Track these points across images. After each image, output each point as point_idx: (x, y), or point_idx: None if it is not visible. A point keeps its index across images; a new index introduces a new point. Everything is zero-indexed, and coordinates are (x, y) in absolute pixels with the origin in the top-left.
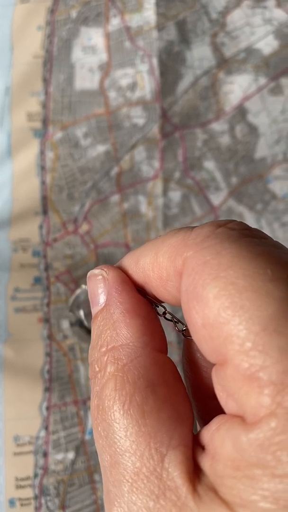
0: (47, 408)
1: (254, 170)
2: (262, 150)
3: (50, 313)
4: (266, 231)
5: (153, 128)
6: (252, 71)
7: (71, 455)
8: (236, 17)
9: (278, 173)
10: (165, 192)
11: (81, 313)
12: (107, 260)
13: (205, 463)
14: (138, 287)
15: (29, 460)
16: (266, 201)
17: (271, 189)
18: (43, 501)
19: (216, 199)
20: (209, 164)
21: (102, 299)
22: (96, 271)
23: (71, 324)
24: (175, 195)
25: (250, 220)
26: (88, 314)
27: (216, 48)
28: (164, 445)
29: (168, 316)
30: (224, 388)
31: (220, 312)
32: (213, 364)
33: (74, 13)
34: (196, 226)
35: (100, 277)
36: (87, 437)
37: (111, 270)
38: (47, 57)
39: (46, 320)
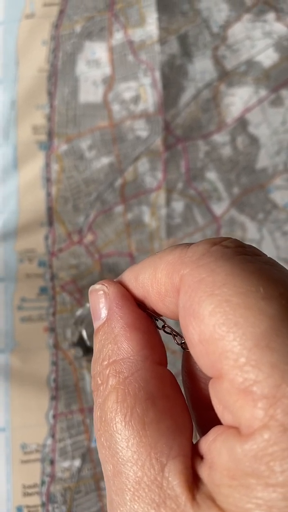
0: (54, 416)
1: (256, 180)
2: (263, 160)
3: (55, 322)
4: (268, 240)
5: (156, 140)
6: (252, 84)
7: (77, 462)
8: (236, 31)
9: (279, 183)
10: (168, 202)
11: (84, 332)
12: (112, 269)
13: (203, 472)
14: (138, 301)
15: (36, 467)
16: (267, 211)
17: (272, 199)
18: (50, 508)
19: (218, 209)
20: (211, 175)
21: (103, 313)
22: (97, 286)
23: (73, 344)
24: (178, 205)
25: (252, 230)
26: (91, 335)
27: (217, 61)
28: (164, 455)
29: (167, 329)
30: (220, 401)
31: (216, 328)
32: (211, 377)
33: (78, 28)
34: (193, 244)
35: (101, 292)
36: (93, 444)
37: (112, 285)
38: (51, 71)
39: (52, 330)
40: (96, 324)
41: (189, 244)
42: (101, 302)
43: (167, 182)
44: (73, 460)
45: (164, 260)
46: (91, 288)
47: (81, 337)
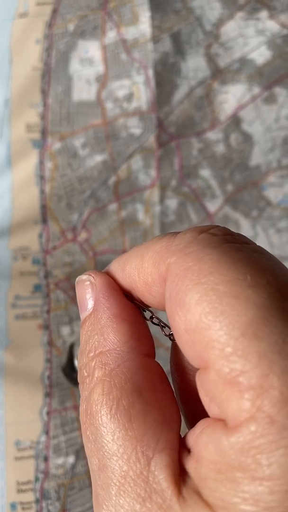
0: (48, 413)
1: (249, 177)
2: (256, 158)
3: (50, 319)
4: (262, 237)
5: (149, 137)
6: (246, 81)
7: (71, 459)
8: (229, 29)
9: (273, 180)
10: (162, 200)
11: (76, 361)
12: (106, 267)
13: (190, 466)
14: (125, 292)
15: (30, 464)
16: (261, 208)
17: (266, 196)
18: (44, 505)
19: (212, 206)
20: (205, 172)
21: (90, 304)
22: (84, 276)
23: (63, 366)
24: (172, 202)
25: (246, 227)
26: None
27: (211, 59)
28: (151, 449)
29: (155, 320)
30: (207, 393)
31: (202, 317)
32: (197, 367)
33: (71, 27)
34: (180, 232)
35: (88, 282)
36: None
37: (99, 275)
38: (45, 70)
39: (46, 327)
40: (82, 315)
41: (176, 233)
42: (88, 293)
43: (161, 179)
44: (67, 456)
45: (151, 249)
46: (77, 278)
47: (70, 361)
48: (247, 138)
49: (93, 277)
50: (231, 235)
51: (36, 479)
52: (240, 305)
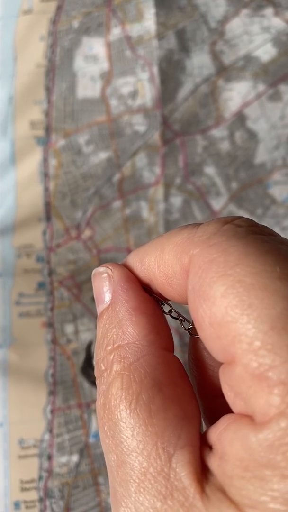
0: (52, 411)
1: (254, 175)
2: (261, 155)
3: (53, 317)
4: None
5: (154, 135)
6: (251, 78)
7: (75, 457)
8: (234, 26)
9: (278, 178)
10: (166, 197)
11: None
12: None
13: (213, 463)
14: (143, 285)
15: (34, 463)
16: (266, 206)
17: (271, 194)
18: (47, 503)
19: (217, 204)
20: (210, 170)
21: (107, 297)
22: (101, 269)
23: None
24: (176, 200)
25: None
26: None
27: (215, 56)
28: (171, 445)
29: (174, 314)
30: (232, 388)
31: (228, 310)
32: (220, 363)
33: (76, 24)
34: (202, 223)
35: (105, 275)
36: (91, 440)
37: (116, 268)
38: (49, 67)
39: (50, 325)
40: (99, 308)
41: (198, 224)
42: (105, 285)
43: (165, 177)
44: (71, 455)
45: (172, 241)
46: (94, 271)
47: (89, 361)
48: (252, 136)
49: (111, 269)
50: (256, 226)
51: (40, 477)
52: (269, 298)
